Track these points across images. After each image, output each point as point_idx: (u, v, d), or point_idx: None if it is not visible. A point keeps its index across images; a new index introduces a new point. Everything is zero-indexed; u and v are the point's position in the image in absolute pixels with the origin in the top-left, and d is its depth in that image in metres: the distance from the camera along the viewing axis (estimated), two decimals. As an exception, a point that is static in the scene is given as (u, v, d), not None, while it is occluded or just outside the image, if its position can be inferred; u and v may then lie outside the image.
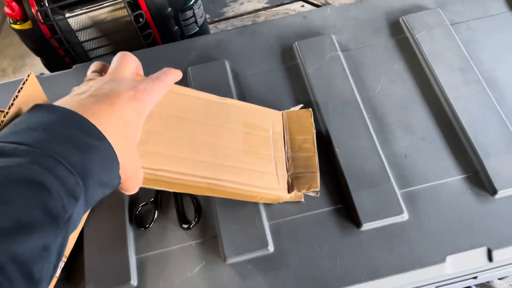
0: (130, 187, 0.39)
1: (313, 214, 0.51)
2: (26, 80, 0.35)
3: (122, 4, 0.73)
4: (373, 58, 0.62)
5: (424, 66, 0.60)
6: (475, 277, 0.52)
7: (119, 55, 0.42)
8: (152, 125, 0.42)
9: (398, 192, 0.50)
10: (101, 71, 0.42)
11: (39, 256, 0.27)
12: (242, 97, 0.60)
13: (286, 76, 0.62)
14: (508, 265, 0.50)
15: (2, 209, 0.26)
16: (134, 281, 0.48)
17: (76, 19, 0.74)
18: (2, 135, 0.31)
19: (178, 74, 0.45)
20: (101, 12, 0.74)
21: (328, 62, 0.60)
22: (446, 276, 0.48)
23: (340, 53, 0.61)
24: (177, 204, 0.53)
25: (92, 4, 0.74)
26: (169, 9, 0.77)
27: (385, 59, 0.62)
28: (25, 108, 0.34)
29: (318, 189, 0.50)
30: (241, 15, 1.24)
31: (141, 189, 0.41)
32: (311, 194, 0.50)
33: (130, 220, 0.52)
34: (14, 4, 0.72)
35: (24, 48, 0.81)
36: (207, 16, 1.21)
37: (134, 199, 0.54)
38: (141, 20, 0.75)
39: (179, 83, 0.46)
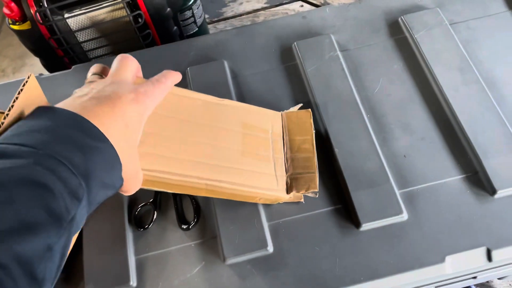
0: (130, 188, 0.39)
1: (312, 214, 0.51)
2: (26, 81, 0.35)
3: (121, 5, 0.73)
4: (372, 58, 0.62)
5: (423, 66, 0.60)
6: (474, 277, 0.52)
7: (119, 57, 0.42)
8: (150, 126, 0.42)
9: (397, 192, 0.50)
10: (102, 73, 0.42)
11: (42, 256, 0.27)
12: (241, 97, 0.60)
13: (285, 76, 0.62)
14: (507, 265, 0.50)
15: (6, 209, 0.27)
16: (133, 281, 0.48)
17: (75, 19, 0.74)
18: (5, 137, 0.31)
19: (177, 76, 0.45)
20: (100, 13, 0.74)
21: (327, 62, 0.60)
22: (446, 276, 0.48)
23: (339, 53, 0.61)
24: (176, 205, 0.53)
25: (91, 5, 0.74)
26: (168, 9, 0.77)
27: (384, 59, 0.61)
28: (25, 110, 0.34)
29: (317, 190, 0.50)
30: (240, 15, 1.24)
31: (140, 189, 0.41)
32: (310, 195, 0.50)
33: (129, 221, 0.52)
34: (13, 4, 0.72)
35: (23, 49, 0.81)
36: (206, 16, 1.21)
37: (133, 200, 0.54)
38: (140, 20, 0.75)
39: (178, 83, 0.46)
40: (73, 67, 0.67)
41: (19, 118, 0.34)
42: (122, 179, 0.36)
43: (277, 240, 0.50)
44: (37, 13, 0.71)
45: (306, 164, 0.51)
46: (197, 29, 0.87)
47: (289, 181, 0.50)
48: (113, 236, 0.51)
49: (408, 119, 0.56)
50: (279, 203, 0.51)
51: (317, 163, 0.51)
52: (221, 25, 1.23)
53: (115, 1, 0.73)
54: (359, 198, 0.50)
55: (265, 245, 0.48)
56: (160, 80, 0.42)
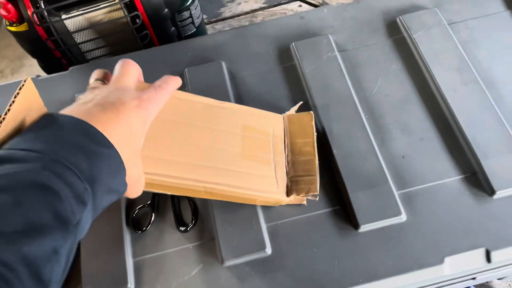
0: (133, 192, 0.40)
1: (310, 215, 0.51)
2: (23, 85, 0.35)
3: (119, 5, 0.73)
4: (370, 59, 0.62)
5: (422, 66, 0.59)
6: (473, 278, 0.51)
7: (121, 62, 0.43)
8: (150, 129, 0.42)
9: (396, 193, 0.50)
10: (104, 79, 0.43)
11: (49, 259, 0.28)
12: (239, 98, 0.60)
13: (283, 77, 0.62)
14: (507, 265, 0.50)
15: (14, 211, 0.28)
16: (131, 284, 0.48)
17: (73, 20, 0.73)
18: (13, 143, 0.32)
19: (178, 81, 0.46)
20: (98, 14, 0.74)
21: (325, 62, 0.60)
22: (445, 278, 0.48)
23: (337, 53, 0.61)
24: (174, 207, 0.53)
25: (88, 6, 0.74)
26: (166, 10, 0.77)
27: (383, 59, 0.61)
28: (22, 114, 0.35)
29: (317, 193, 0.49)
30: (238, 15, 1.24)
31: (138, 192, 0.41)
32: (310, 197, 0.50)
33: (127, 223, 0.52)
34: (9, 6, 0.72)
35: (22, 50, 0.81)
36: (204, 16, 1.21)
37: (131, 202, 0.53)
38: (137, 21, 0.74)
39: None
40: (70, 68, 0.67)
41: (19, 122, 0.34)
42: (126, 184, 0.37)
43: (275, 241, 0.49)
44: (34, 15, 0.71)
45: (306, 167, 0.51)
46: (195, 29, 0.87)
47: (289, 184, 0.50)
48: (111, 238, 0.51)
49: (407, 119, 0.56)
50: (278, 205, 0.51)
51: (318, 166, 0.51)
52: (219, 26, 1.23)
53: (112, 2, 0.73)
54: (358, 199, 0.49)
55: (263, 247, 0.48)
56: (161, 86, 0.43)
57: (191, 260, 0.49)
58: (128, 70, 0.42)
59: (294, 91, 0.60)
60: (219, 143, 0.48)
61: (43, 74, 0.71)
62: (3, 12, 0.73)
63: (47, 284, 0.27)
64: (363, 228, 0.49)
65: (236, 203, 0.49)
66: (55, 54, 0.78)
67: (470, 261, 0.47)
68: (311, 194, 0.49)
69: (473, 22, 0.63)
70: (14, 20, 0.74)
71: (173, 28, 0.81)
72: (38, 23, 0.72)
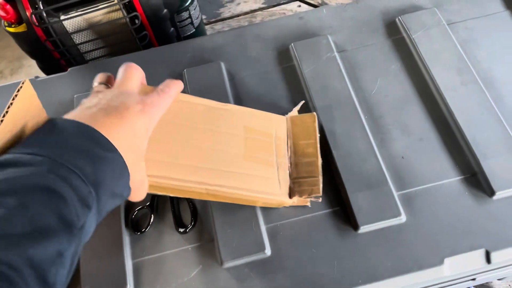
0: (137, 196, 0.40)
1: (310, 216, 0.50)
2: (21, 87, 0.35)
3: (118, 6, 0.73)
4: (369, 59, 0.61)
5: (421, 66, 0.59)
6: (473, 279, 0.51)
7: (124, 66, 0.43)
8: (153, 132, 0.42)
9: (395, 194, 0.50)
10: (107, 83, 0.43)
11: (53, 262, 0.28)
12: (238, 99, 0.60)
13: (282, 77, 0.62)
14: (506, 266, 0.50)
15: (20, 214, 0.28)
16: (130, 285, 0.48)
17: (71, 21, 0.73)
18: (18, 147, 0.33)
19: (180, 85, 0.46)
20: (97, 14, 0.74)
21: (325, 63, 0.60)
22: (444, 279, 0.48)
23: (336, 54, 0.61)
24: (173, 208, 0.52)
25: (87, 6, 0.73)
26: (165, 10, 0.77)
27: (382, 60, 0.61)
28: (21, 116, 0.35)
29: (320, 194, 0.49)
30: (238, 15, 1.24)
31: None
32: (312, 199, 0.50)
33: (126, 225, 0.52)
34: (8, 6, 0.72)
35: (21, 50, 0.81)
36: (204, 17, 1.21)
37: (130, 203, 0.53)
38: (136, 21, 0.74)
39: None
40: (68, 69, 0.66)
41: (18, 125, 0.34)
42: (130, 188, 0.38)
43: (274, 243, 0.49)
44: (33, 15, 0.71)
45: (309, 169, 0.51)
46: (194, 30, 0.87)
47: (292, 186, 0.50)
48: (110, 239, 0.51)
49: (406, 120, 0.56)
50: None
51: (321, 168, 0.51)
52: (218, 26, 1.22)
53: (111, 3, 0.73)
54: (357, 200, 0.49)
55: (262, 248, 0.48)
56: (164, 90, 0.43)
57: (190, 262, 0.49)
58: (131, 74, 0.42)
59: (293, 91, 0.60)
60: (222, 145, 0.48)
61: (42, 75, 0.71)
62: (2, 13, 0.72)
63: (52, 287, 0.28)
64: (363, 229, 0.48)
65: (235, 205, 0.49)
66: (54, 55, 0.78)
67: (470, 262, 0.47)
68: (314, 195, 0.49)
69: (473, 22, 0.63)
70: (12, 21, 0.74)
71: (172, 28, 0.81)
72: (36, 24, 0.71)
